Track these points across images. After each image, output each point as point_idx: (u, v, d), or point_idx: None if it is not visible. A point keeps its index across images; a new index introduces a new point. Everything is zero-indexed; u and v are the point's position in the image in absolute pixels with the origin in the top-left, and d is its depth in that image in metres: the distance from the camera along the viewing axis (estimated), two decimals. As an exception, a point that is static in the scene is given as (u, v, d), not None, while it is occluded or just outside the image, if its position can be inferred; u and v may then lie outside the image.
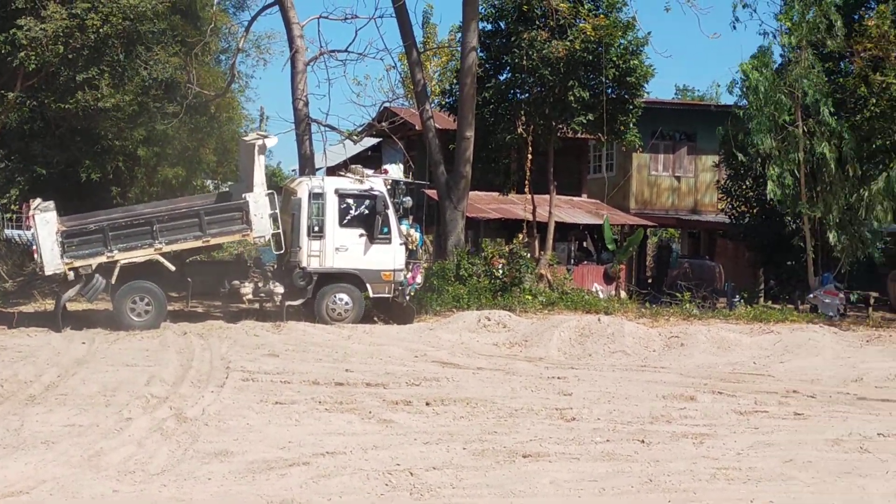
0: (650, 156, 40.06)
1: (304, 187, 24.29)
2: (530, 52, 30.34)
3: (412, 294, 25.37)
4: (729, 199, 36.53)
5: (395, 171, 37.20)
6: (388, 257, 24.22)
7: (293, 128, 31.07)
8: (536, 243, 31.51)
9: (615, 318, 21.70)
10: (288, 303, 23.64)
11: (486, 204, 35.98)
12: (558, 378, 16.54)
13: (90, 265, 22.02)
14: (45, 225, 21.64)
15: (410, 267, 25.17)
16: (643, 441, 11.56)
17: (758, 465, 10.51)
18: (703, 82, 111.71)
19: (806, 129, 29.82)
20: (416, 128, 35.03)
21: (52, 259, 21.71)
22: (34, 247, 22.35)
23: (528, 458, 10.63)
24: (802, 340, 21.30)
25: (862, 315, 29.99)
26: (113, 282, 22.15)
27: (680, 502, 8.95)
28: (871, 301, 32.52)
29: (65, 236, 21.85)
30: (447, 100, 34.80)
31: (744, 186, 35.55)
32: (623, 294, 31.76)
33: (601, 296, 29.94)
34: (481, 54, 31.50)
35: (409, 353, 19.00)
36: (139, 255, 22.34)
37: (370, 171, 25.67)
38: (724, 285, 34.52)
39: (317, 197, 24.06)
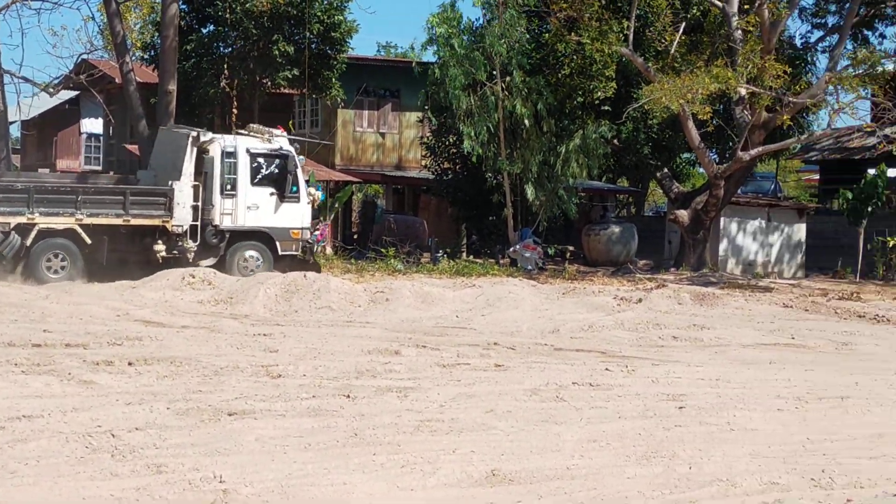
0: (355, 112, 40.23)
1: (216, 146, 24.70)
2: (234, 6, 29.90)
3: (318, 251, 26.47)
4: (432, 156, 37.11)
5: (95, 125, 35.91)
6: (296, 216, 25.12)
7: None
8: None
9: (321, 275, 21.71)
10: (202, 262, 24.01)
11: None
12: (264, 335, 16.41)
13: (9, 223, 22.44)
14: None
15: (318, 225, 26.34)
16: (349, 396, 11.60)
17: (460, 416, 10.74)
18: (407, 39, 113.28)
19: (504, 87, 30.63)
20: (117, 81, 33.93)
21: None
22: None
23: (234, 416, 10.47)
24: (503, 294, 21.94)
25: (559, 268, 31.21)
26: (28, 244, 22.62)
27: (385, 455, 9.03)
28: (568, 255, 33.89)
29: None
30: (149, 53, 33.87)
31: (446, 143, 36.19)
32: (329, 250, 31.84)
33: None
34: (183, 6, 30.79)
35: (111, 311, 18.40)
36: (59, 222, 22.95)
37: (276, 131, 25.96)
38: (429, 241, 35.14)
39: (229, 156, 24.65)
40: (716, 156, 38.47)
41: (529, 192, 30.78)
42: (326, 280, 21.38)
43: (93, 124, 45.53)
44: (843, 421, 11.54)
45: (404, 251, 30.73)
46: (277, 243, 24.91)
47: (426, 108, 36.00)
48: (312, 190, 26.10)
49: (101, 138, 45.44)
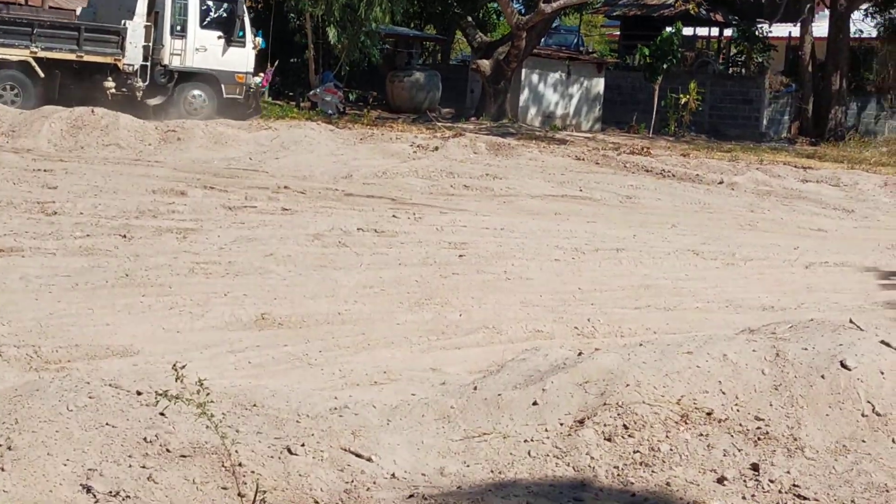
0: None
1: None
2: None
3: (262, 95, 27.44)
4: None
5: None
6: (242, 60, 25.84)
7: None
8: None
9: (110, 111, 21.00)
10: (148, 100, 24.70)
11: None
12: (44, 171, 15.90)
13: None
14: None
15: (265, 71, 27.34)
16: (125, 236, 11.37)
17: (238, 259, 10.65)
18: None
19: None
20: None
21: None
22: None
23: (0, 253, 10.15)
24: (299, 137, 21.67)
25: (361, 114, 30.99)
26: None
27: (154, 297, 8.90)
28: (371, 100, 33.68)
29: None
30: None
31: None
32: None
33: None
34: None
35: None
36: (13, 54, 23.42)
37: None
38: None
39: None
40: (521, 7, 38.55)
41: (332, 34, 30.29)
42: (116, 117, 20.65)
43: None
44: (616, 272, 11.91)
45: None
46: (223, 86, 25.53)
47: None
48: (255, 37, 26.64)
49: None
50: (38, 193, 13.79)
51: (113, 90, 24.47)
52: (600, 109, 37.62)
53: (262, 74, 27.00)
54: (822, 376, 5.67)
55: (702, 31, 45.98)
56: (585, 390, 5.64)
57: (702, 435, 5.34)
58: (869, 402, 5.58)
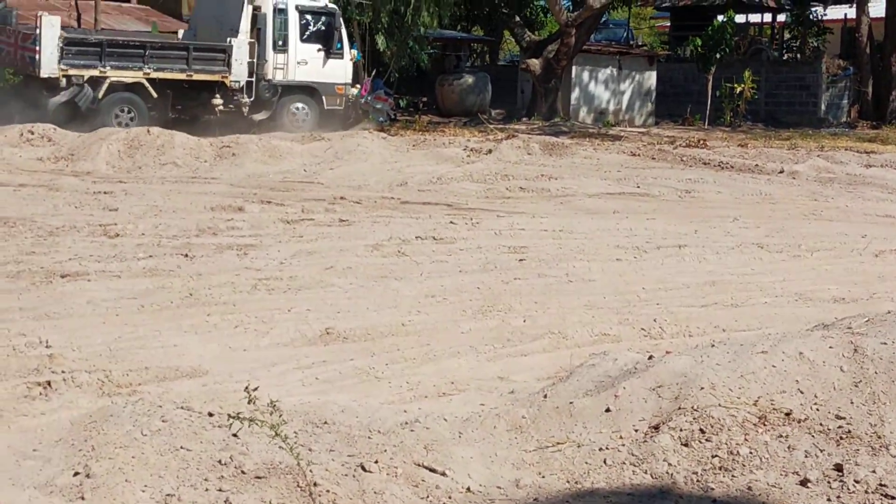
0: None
1: (268, 3, 25.69)
2: None
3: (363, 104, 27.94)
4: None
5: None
6: (341, 71, 26.60)
7: None
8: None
9: (164, 130, 21.15)
10: (254, 115, 25.54)
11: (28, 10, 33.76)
12: (105, 193, 15.97)
13: (83, 76, 23.49)
14: (49, 28, 23.02)
15: (362, 81, 28.17)
16: (187, 255, 11.40)
17: (299, 274, 10.64)
18: None
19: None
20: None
21: (49, 62, 23.05)
22: (36, 47, 23.21)
23: (67, 277, 10.20)
24: (352, 147, 21.68)
25: (412, 120, 31.00)
26: (100, 97, 23.68)
27: (219, 315, 8.91)
28: (421, 106, 33.68)
29: (66, 43, 23.29)
30: None
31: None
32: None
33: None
34: None
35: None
36: (128, 76, 24.15)
37: None
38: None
39: (281, 12, 25.74)
40: (569, 3, 38.39)
41: (380, 41, 30.36)
42: (171, 135, 20.79)
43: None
44: (679, 269, 11.78)
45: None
46: (324, 98, 26.25)
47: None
48: (351, 49, 27.43)
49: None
50: (99, 216, 13.88)
51: (221, 107, 25.27)
52: (653, 103, 37.37)
53: (359, 85, 27.78)
54: (904, 370, 5.54)
55: (754, 18, 45.60)
56: (659, 395, 5.56)
57: (781, 436, 5.23)
58: (952, 395, 5.44)
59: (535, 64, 33.27)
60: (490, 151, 22.11)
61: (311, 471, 4.85)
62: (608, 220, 15.15)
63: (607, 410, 5.54)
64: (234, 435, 5.19)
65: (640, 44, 45.80)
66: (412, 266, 11.29)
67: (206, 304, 9.31)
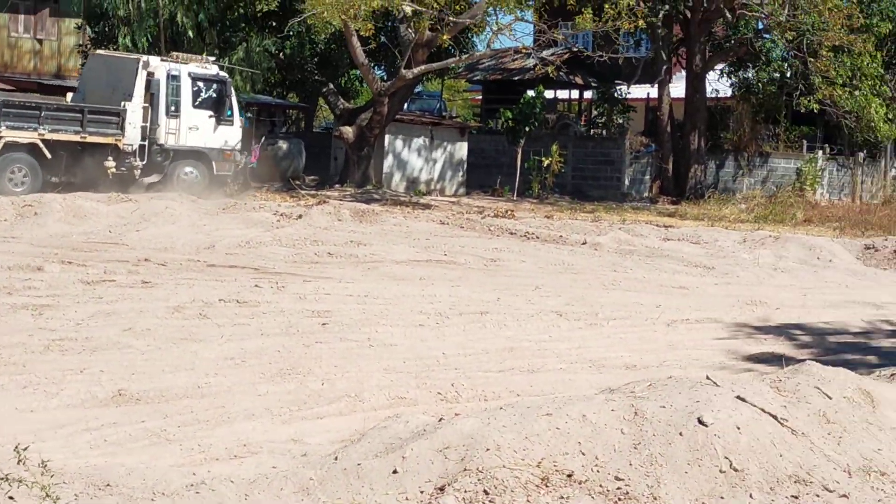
0: (10, 16, 38.07)
1: (162, 69, 26.24)
2: None
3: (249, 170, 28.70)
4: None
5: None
6: (231, 137, 27.30)
7: None
8: None
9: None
10: (145, 178, 25.80)
11: None
12: None
13: None
14: None
15: (252, 148, 29.08)
16: (-23, 316, 11.03)
17: (95, 335, 10.40)
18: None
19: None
20: None
21: None
22: None
23: None
24: (160, 209, 21.37)
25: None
26: None
27: (7, 376, 8.63)
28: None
29: None
30: None
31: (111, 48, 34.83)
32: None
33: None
34: None
35: None
36: (23, 136, 24.09)
37: (196, 56, 27.80)
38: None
39: (174, 79, 26.33)
40: (383, 73, 38.82)
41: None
42: (-32, 193, 20.18)
43: None
44: (480, 335, 11.94)
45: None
46: (213, 163, 26.85)
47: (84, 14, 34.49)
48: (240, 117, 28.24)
49: None
50: None
51: (113, 169, 25.33)
52: (464, 173, 37.96)
53: (252, 150, 28.62)
54: (680, 433, 5.74)
55: (562, 94, 46.99)
56: (446, 456, 5.61)
57: (562, 497, 5.34)
58: (727, 457, 5.66)
59: (348, 131, 33.48)
60: (300, 217, 22.09)
61: (87, 534, 4.73)
62: (414, 286, 15.24)
63: (394, 472, 5.57)
64: (11, 497, 5.02)
65: (452, 115, 46.56)
66: (213, 329, 11.16)
67: (-6, 366, 9.01)
